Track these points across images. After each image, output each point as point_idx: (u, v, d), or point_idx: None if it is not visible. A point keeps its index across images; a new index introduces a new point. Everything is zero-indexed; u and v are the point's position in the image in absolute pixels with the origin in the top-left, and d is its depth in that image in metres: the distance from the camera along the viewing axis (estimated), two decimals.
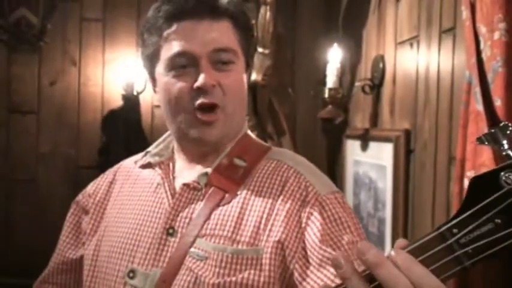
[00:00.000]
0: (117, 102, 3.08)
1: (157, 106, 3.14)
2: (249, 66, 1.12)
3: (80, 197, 1.24)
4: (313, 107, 2.64)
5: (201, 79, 1.00)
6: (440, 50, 1.60)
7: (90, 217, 1.18)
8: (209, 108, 1.02)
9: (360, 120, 2.32)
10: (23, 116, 3.11)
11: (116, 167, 1.25)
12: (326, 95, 2.10)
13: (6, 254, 3.02)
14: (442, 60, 1.58)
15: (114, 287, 1.04)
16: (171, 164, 1.13)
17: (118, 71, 3.09)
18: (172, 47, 1.02)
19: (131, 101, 2.96)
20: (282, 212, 1.00)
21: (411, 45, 1.82)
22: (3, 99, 3.09)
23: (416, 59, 1.77)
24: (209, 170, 1.07)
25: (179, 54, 1.01)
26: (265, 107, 2.50)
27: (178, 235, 1.03)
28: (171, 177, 1.11)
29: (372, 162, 2.03)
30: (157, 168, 1.13)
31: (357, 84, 2.15)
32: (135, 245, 1.06)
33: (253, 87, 2.44)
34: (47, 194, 3.08)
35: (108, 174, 1.23)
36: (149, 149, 1.18)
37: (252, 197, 1.04)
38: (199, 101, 1.01)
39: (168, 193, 1.08)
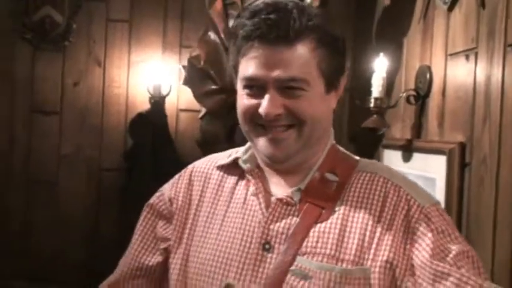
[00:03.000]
0: (142, 104, 3.04)
1: (183, 110, 3.11)
2: (333, 86, 1.08)
3: (155, 200, 1.20)
4: (338, 115, 2.62)
5: (263, 108, 1.00)
6: (505, 64, 1.58)
7: (174, 223, 1.14)
8: (277, 126, 1.02)
9: (399, 130, 2.29)
10: (46, 116, 3.06)
11: (188, 169, 1.21)
12: (372, 105, 2.07)
13: (27, 255, 2.96)
14: (507, 74, 1.56)
15: None
16: (264, 174, 1.11)
17: (143, 73, 3.05)
18: (244, 68, 1.02)
19: (158, 104, 2.92)
20: (386, 229, 0.98)
21: (467, 57, 1.80)
22: (26, 99, 3.04)
23: (473, 72, 1.75)
24: (302, 185, 1.05)
25: (249, 78, 1.01)
26: None
27: (275, 251, 1.00)
28: (266, 189, 1.08)
29: (417, 174, 2.00)
30: (250, 177, 1.10)
31: (402, 94, 2.13)
32: (228, 259, 1.03)
33: None
34: (68, 196, 3.04)
35: (183, 176, 1.19)
36: (237, 154, 1.14)
37: (351, 213, 1.01)
38: (264, 121, 1.01)
39: (263, 205, 1.05)
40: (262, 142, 1.03)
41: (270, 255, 1.00)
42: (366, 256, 0.97)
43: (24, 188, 3.02)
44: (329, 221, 1.01)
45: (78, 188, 3.05)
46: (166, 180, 3.12)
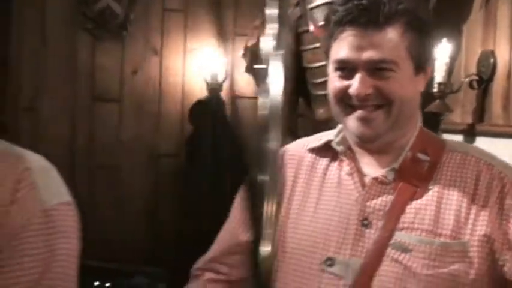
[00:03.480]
0: (198, 92, 3.12)
1: (240, 97, 3.19)
2: (422, 68, 1.14)
3: None
4: None
5: (353, 88, 1.07)
6: None
7: None
8: (366, 106, 1.08)
9: (459, 115, 2.33)
10: (106, 104, 3.17)
11: (281, 151, 1.28)
12: (435, 90, 2.11)
13: (86, 238, 3.08)
14: None
15: (310, 274, 1.09)
16: (355, 155, 1.17)
17: (199, 61, 3.13)
18: (336, 51, 1.10)
19: (215, 91, 3.00)
20: (482, 205, 1.04)
21: None
22: (87, 88, 3.15)
23: None
24: (396, 165, 1.11)
25: (340, 60, 1.09)
26: None
27: (373, 226, 1.07)
28: (359, 169, 1.15)
29: None
30: (344, 158, 1.16)
31: (465, 79, 2.16)
32: (327, 234, 1.10)
33: None
34: (128, 181, 3.15)
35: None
36: (329, 137, 1.21)
37: (446, 191, 1.07)
38: (354, 102, 1.09)
39: (358, 184, 1.12)
40: (352, 122, 1.10)
41: (368, 230, 1.08)
42: (463, 231, 1.03)
43: (87, 173, 3.14)
44: (424, 198, 1.08)
45: (138, 173, 3.16)
46: (225, 166, 3.19)
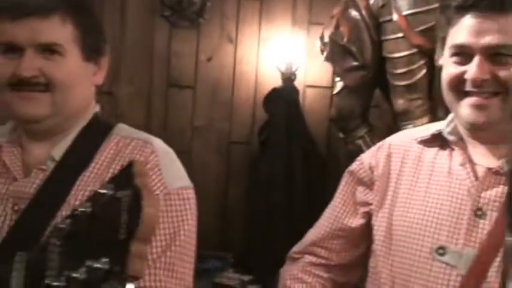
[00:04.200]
0: (271, 80, 3.13)
1: (310, 86, 3.18)
2: None
3: (355, 167, 1.28)
4: None
5: (471, 73, 1.06)
6: None
7: (375, 189, 1.22)
8: (481, 93, 1.06)
9: None
10: (181, 90, 3.22)
11: (386, 142, 1.28)
12: None
13: None
14: None
15: (420, 262, 1.08)
16: (466, 146, 1.15)
17: (273, 50, 3.14)
18: (454, 37, 1.09)
19: (289, 80, 3.00)
20: None
21: None
22: (163, 73, 3.21)
23: None
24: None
25: (458, 46, 1.08)
26: (440, 92, 2.46)
27: (488, 217, 1.06)
28: (471, 159, 1.13)
29: None
30: (456, 148, 1.15)
31: None
32: (438, 223, 1.10)
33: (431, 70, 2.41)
34: (201, 166, 3.20)
35: (382, 148, 1.27)
36: (439, 127, 1.19)
37: None
38: (469, 88, 1.07)
39: (471, 175, 1.11)
40: (465, 109, 1.09)
41: (482, 221, 1.06)
42: None
43: None
44: None
45: (210, 159, 3.22)
46: (298, 156, 3.17)
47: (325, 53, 2.51)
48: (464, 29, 1.07)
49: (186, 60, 3.21)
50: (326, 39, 2.54)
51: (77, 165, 1.07)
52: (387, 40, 2.42)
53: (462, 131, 1.16)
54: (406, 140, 1.25)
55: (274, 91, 2.96)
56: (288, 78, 3.01)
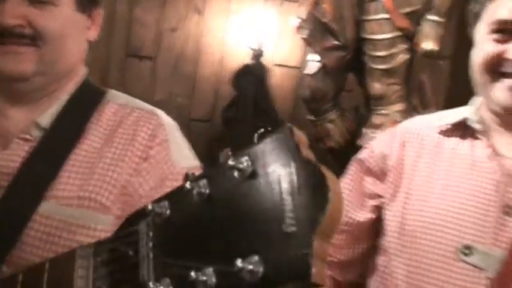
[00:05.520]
0: (238, 56, 2.98)
1: (279, 65, 3.06)
2: None
3: (365, 156, 1.17)
4: None
5: (509, 52, 0.98)
6: None
7: (387, 181, 1.11)
8: None
9: None
10: (141, 61, 3.02)
11: (399, 129, 1.18)
12: None
13: None
14: None
15: (442, 261, 0.98)
16: (493, 135, 1.07)
17: (242, 24, 2.99)
18: (495, 11, 1.00)
19: (258, 57, 2.87)
20: None
21: None
22: (122, 42, 2.99)
23: None
24: None
25: (499, 22, 0.99)
26: (418, 78, 2.41)
27: None
28: (497, 150, 1.04)
29: None
30: (483, 138, 1.06)
31: None
32: (463, 220, 1.00)
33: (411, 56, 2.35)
34: None
35: (395, 135, 1.16)
36: (464, 114, 1.10)
37: None
38: (508, 69, 0.99)
39: (498, 168, 1.02)
40: (500, 91, 1.00)
41: (511, 219, 0.98)
42: None
43: None
44: None
45: None
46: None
47: (303, 30, 2.39)
48: (506, 3, 0.98)
49: (148, 30, 3.00)
50: (305, 16, 2.43)
51: (69, 135, 0.91)
52: (369, 20, 2.32)
53: (491, 118, 1.07)
54: (422, 127, 1.14)
55: (245, 68, 2.81)
56: (257, 55, 2.87)
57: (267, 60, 2.97)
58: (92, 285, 0.53)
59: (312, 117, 2.58)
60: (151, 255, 0.49)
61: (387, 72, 2.35)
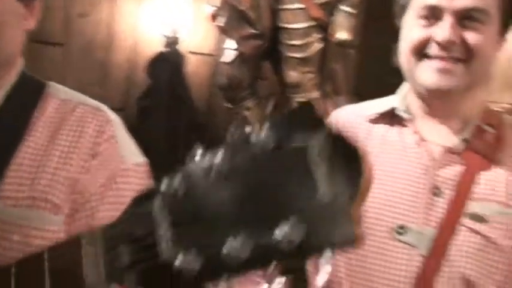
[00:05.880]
0: (151, 43, 2.92)
1: (193, 52, 3.03)
2: (506, 29, 1.11)
3: None
4: (385, 70, 2.66)
5: (439, 34, 1.02)
6: None
7: None
8: (446, 57, 1.03)
9: None
10: (48, 47, 2.88)
11: (333, 118, 1.21)
12: None
13: None
14: None
15: (378, 241, 1.04)
16: (419, 122, 1.13)
17: (156, 10, 2.93)
18: None
19: (173, 44, 2.83)
20: None
21: None
22: None
23: None
24: (466, 135, 1.08)
25: (428, 7, 1.03)
26: (331, 67, 2.49)
27: (445, 196, 1.04)
28: (424, 137, 1.11)
29: None
30: (411, 126, 1.11)
31: None
32: (396, 202, 1.05)
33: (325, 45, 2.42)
34: None
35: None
36: (392, 104, 1.15)
37: None
38: (434, 51, 1.03)
39: (426, 153, 1.08)
40: (427, 73, 1.04)
41: (440, 199, 1.04)
42: None
43: None
44: (493, 170, 1.06)
45: None
46: (180, 122, 3.02)
47: (220, 18, 2.39)
48: None
49: (56, 14, 2.87)
50: (220, 3, 2.43)
51: (13, 132, 0.86)
52: (285, 10, 2.37)
53: (416, 103, 1.12)
54: (353, 116, 1.19)
55: (160, 55, 2.77)
56: (172, 42, 2.83)
57: (181, 47, 2.94)
58: (104, 270, 0.51)
59: (229, 105, 2.60)
60: (170, 233, 0.48)
61: (302, 61, 2.41)
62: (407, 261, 1.01)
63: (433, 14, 1.02)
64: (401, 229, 1.03)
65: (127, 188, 0.89)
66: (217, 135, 2.90)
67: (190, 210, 0.48)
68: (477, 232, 1.01)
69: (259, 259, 0.46)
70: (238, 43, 2.40)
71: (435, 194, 1.05)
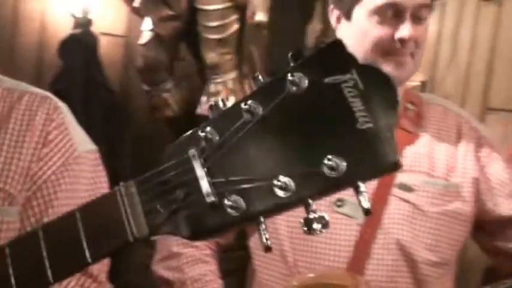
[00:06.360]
0: (62, 24, 2.81)
1: (105, 34, 2.95)
2: None
3: None
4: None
5: (405, 31, 1.10)
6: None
7: None
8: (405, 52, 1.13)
9: None
10: None
11: None
12: None
13: None
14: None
15: None
16: None
17: None
18: None
19: (85, 26, 2.74)
20: (465, 153, 1.18)
21: None
22: None
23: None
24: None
25: (389, 4, 1.10)
26: (248, 47, 2.54)
27: None
28: None
29: None
30: None
31: None
32: None
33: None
34: None
35: None
36: None
37: (435, 140, 1.19)
38: (396, 48, 1.12)
39: None
40: (385, 68, 1.10)
41: None
42: (453, 174, 1.16)
43: None
44: (416, 144, 1.18)
45: None
46: (97, 106, 2.98)
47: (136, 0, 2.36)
48: None
49: None
50: None
51: None
52: None
53: None
54: None
55: (72, 37, 2.67)
56: (84, 23, 2.74)
57: (94, 28, 2.86)
58: (144, 222, 0.51)
59: (147, 88, 2.58)
60: (210, 178, 0.50)
61: (220, 42, 2.44)
62: (346, 231, 1.11)
63: (393, 11, 1.09)
64: (340, 202, 1.11)
65: (80, 175, 0.90)
66: (135, 118, 2.87)
67: (227, 156, 0.50)
68: (406, 200, 1.12)
69: (307, 194, 0.49)
70: (155, 25, 2.38)
71: None
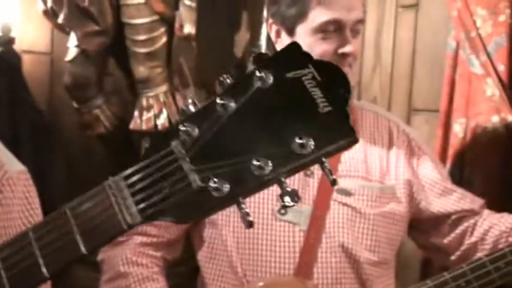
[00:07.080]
0: None
1: (27, 51, 2.86)
2: None
3: None
4: (222, 60, 2.75)
5: (349, 47, 1.18)
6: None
7: None
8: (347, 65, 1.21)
9: None
10: None
11: None
12: None
13: None
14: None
15: (264, 223, 1.14)
16: None
17: None
18: (324, 13, 1.17)
19: (7, 44, 2.65)
20: (397, 156, 1.24)
21: None
22: None
23: None
24: None
25: (332, 21, 1.17)
26: (177, 60, 2.54)
27: (316, 176, 1.18)
28: None
29: None
30: None
31: None
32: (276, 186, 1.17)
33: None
34: None
35: None
36: None
37: (368, 145, 1.25)
38: (339, 62, 1.18)
39: None
40: None
41: (311, 179, 1.18)
42: (388, 177, 1.22)
43: None
44: (352, 150, 1.22)
45: None
46: (24, 126, 2.90)
47: (61, 15, 2.30)
48: (335, 5, 1.15)
49: None
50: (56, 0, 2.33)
51: None
52: (127, 5, 2.35)
53: None
54: None
55: None
56: (6, 42, 2.65)
57: (16, 46, 2.77)
58: (137, 207, 0.55)
59: (77, 105, 2.52)
60: (194, 166, 0.55)
61: (149, 56, 2.42)
62: (290, 237, 1.14)
63: (334, 27, 1.15)
64: (283, 209, 1.14)
65: (12, 196, 0.88)
66: (65, 136, 2.80)
67: (207, 146, 0.57)
68: (345, 204, 1.16)
69: (283, 171, 0.56)
70: (80, 41, 2.33)
71: (307, 175, 1.18)
